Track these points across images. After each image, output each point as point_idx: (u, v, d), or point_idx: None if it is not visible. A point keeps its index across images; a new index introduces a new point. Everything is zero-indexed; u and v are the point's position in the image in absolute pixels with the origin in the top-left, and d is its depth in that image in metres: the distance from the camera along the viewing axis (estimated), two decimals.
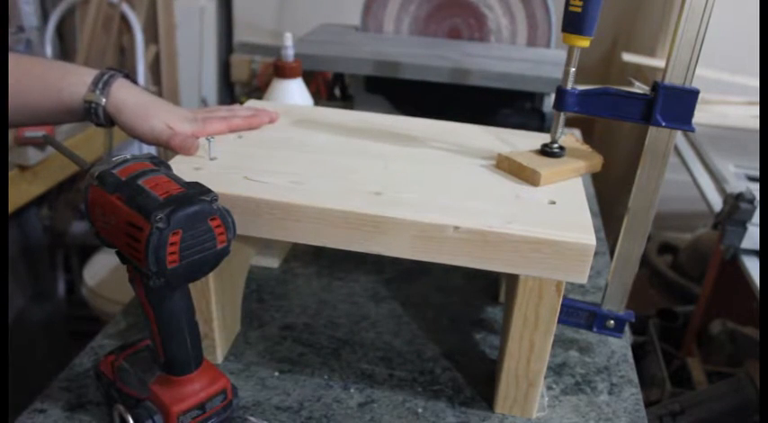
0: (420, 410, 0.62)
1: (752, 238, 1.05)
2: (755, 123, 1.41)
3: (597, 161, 0.67)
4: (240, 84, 2.02)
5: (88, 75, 0.65)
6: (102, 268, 1.47)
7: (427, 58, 1.07)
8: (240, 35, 2.09)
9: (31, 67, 0.65)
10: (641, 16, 1.82)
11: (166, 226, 0.44)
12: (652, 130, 0.57)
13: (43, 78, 0.64)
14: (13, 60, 0.64)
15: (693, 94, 0.55)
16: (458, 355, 0.70)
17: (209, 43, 2.00)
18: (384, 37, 1.24)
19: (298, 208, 0.56)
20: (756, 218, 1.04)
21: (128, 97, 0.66)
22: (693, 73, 0.55)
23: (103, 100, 0.64)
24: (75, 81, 0.65)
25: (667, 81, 0.55)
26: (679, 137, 1.37)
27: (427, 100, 1.12)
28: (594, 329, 0.67)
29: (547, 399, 0.65)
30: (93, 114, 0.65)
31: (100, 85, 0.64)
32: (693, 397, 1.14)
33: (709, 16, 0.52)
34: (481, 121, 0.78)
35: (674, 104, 0.56)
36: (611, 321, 0.66)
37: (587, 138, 1.05)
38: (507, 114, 1.11)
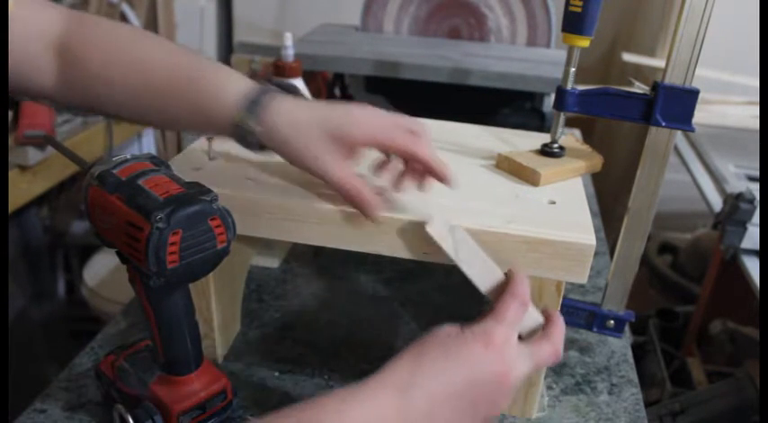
0: None
1: (752, 238, 1.05)
2: (755, 123, 1.41)
3: (597, 161, 0.67)
4: None
5: (238, 93, 0.53)
6: (102, 268, 1.47)
7: (427, 58, 1.07)
8: (240, 35, 2.09)
9: (181, 67, 0.55)
10: (641, 16, 1.82)
11: (166, 226, 0.44)
12: (652, 130, 0.57)
13: (191, 89, 0.54)
14: (164, 54, 0.55)
15: (693, 94, 0.55)
16: None
17: (209, 43, 2.01)
18: (384, 37, 1.24)
19: (298, 208, 0.56)
20: (756, 218, 1.04)
21: (287, 130, 0.53)
22: (693, 73, 0.55)
23: (257, 128, 0.52)
24: (225, 98, 0.53)
25: (667, 81, 0.55)
26: (679, 137, 1.37)
27: (427, 100, 1.12)
28: (594, 329, 0.67)
29: (547, 399, 0.65)
30: (244, 141, 0.54)
31: (252, 109, 0.52)
32: (693, 397, 1.14)
33: (710, 16, 0.52)
34: (481, 121, 0.78)
35: (674, 104, 0.56)
36: (611, 321, 0.66)
37: (587, 138, 1.05)
38: (507, 114, 1.11)
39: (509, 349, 0.45)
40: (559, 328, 0.50)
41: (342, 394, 0.42)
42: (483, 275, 0.51)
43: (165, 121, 0.59)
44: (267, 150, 0.55)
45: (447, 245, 0.51)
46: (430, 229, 0.51)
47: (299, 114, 0.53)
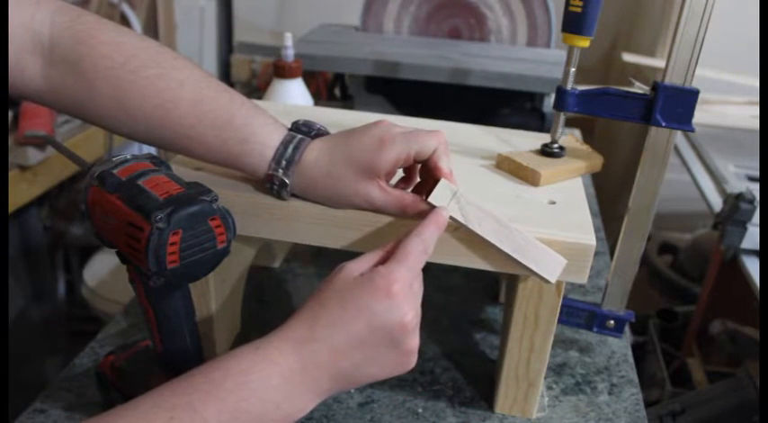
0: (420, 410, 0.62)
1: (752, 238, 1.05)
2: (755, 123, 1.41)
3: (597, 161, 0.67)
4: (240, 84, 2.02)
5: (269, 145, 0.53)
6: (103, 268, 1.47)
7: (427, 58, 1.07)
8: (240, 35, 2.09)
9: (209, 108, 0.52)
10: (641, 16, 1.82)
11: (166, 226, 0.44)
12: (652, 130, 0.57)
13: (220, 135, 0.52)
14: (191, 89, 0.52)
15: (693, 94, 0.55)
16: (458, 355, 0.70)
17: (209, 43, 2.01)
18: (384, 37, 1.24)
19: (298, 208, 0.56)
20: (756, 218, 1.04)
21: (317, 177, 0.53)
22: (693, 73, 0.55)
23: (288, 181, 0.53)
24: (256, 151, 0.53)
25: (667, 81, 0.55)
26: (679, 137, 1.37)
27: (427, 100, 1.12)
28: (594, 329, 0.67)
29: (547, 399, 0.65)
30: (274, 190, 0.55)
31: (285, 165, 0.53)
32: (693, 397, 1.14)
33: (710, 16, 0.52)
34: (481, 121, 0.78)
35: (674, 104, 0.56)
36: (611, 321, 0.66)
37: (587, 138, 1.05)
38: (507, 114, 1.11)
39: (409, 294, 0.44)
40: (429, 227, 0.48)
41: (243, 359, 0.42)
42: (498, 234, 0.51)
43: (186, 154, 0.56)
44: (296, 198, 0.55)
45: (453, 211, 0.51)
46: (432, 200, 0.51)
47: (324, 160, 0.53)
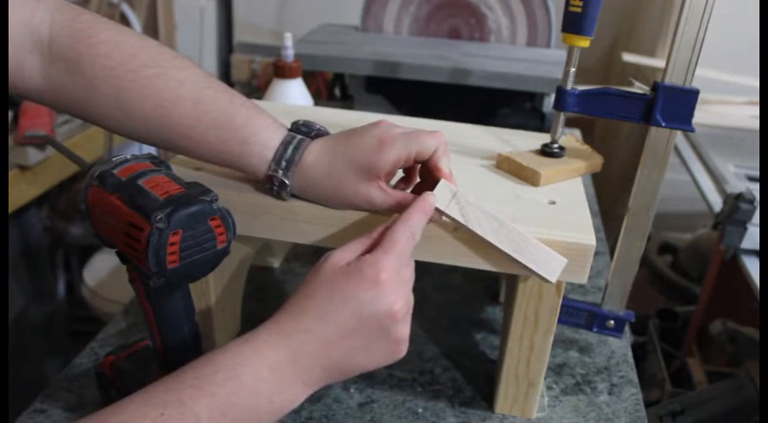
0: (420, 410, 0.62)
1: (752, 238, 1.05)
2: (755, 123, 1.41)
3: (597, 161, 0.67)
4: (240, 84, 2.02)
5: (269, 146, 0.53)
6: (103, 268, 1.47)
7: (427, 58, 1.07)
8: (240, 35, 2.09)
9: (208, 109, 0.52)
10: (641, 16, 1.82)
11: (166, 226, 0.44)
12: (652, 130, 0.57)
13: (220, 135, 0.52)
14: (191, 89, 0.52)
15: (693, 94, 0.55)
16: (458, 355, 0.70)
17: (209, 43, 2.01)
18: (384, 37, 1.24)
19: (298, 208, 0.56)
20: (756, 218, 1.04)
21: (317, 178, 0.53)
22: (693, 73, 0.55)
23: (288, 182, 0.53)
24: (256, 151, 0.53)
25: (667, 81, 0.55)
26: (679, 137, 1.37)
27: (427, 100, 1.12)
28: (594, 329, 0.67)
29: (547, 399, 0.65)
30: (274, 190, 0.54)
31: (285, 166, 0.53)
32: (693, 397, 1.14)
33: (710, 16, 0.52)
34: (481, 121, 0.78)
35: (674, 104, 0.56)
36: (611, 321, 0.66)
37: (587, 138, 1.05)
38: (507, 114, 1.11)
39: (397, 282, 0.44)
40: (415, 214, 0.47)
41: (233, 353, 0.42)
42: (498, 234, 0.51)
43: (186, 154, 0.56)
44: (296, 198, 0.55)
45: (453, 212, 0.51)
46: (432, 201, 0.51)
47: (324, 161, 0.52)
